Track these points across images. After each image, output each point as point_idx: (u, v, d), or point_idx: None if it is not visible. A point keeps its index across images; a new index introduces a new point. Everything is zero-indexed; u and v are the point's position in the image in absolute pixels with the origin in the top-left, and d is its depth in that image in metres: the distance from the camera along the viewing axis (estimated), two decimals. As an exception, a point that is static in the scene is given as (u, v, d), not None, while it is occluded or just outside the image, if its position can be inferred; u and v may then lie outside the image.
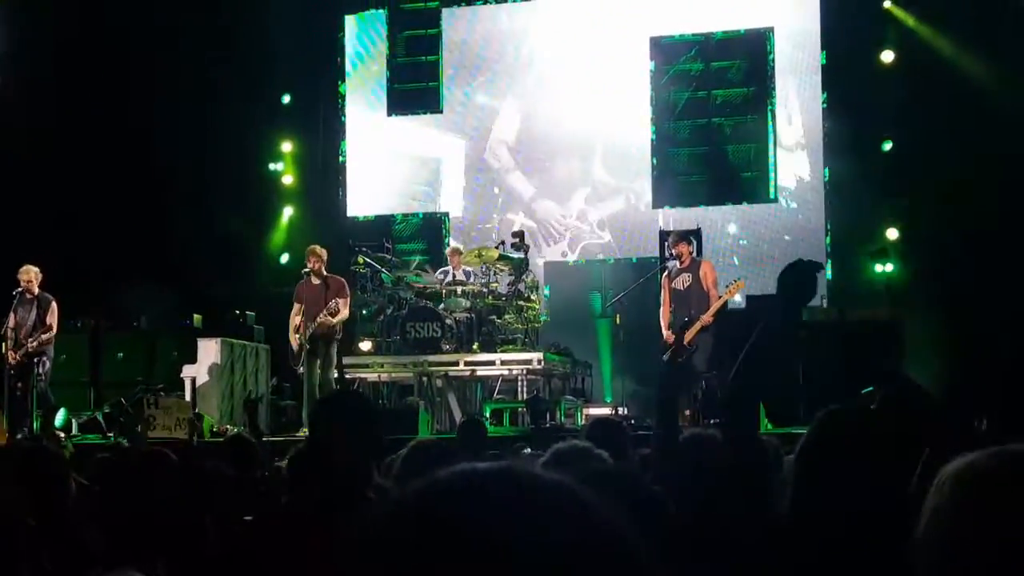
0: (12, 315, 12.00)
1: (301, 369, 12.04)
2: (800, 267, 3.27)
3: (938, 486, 1.43)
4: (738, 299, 13.26)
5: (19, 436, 11.29)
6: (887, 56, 14.78)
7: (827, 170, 15.26)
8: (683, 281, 11.39)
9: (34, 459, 4.02)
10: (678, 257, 11.54)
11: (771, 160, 15.47)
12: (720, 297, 11.26)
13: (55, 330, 12.05)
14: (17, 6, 15.73)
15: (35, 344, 11.84)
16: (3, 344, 11.96)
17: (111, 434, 12.02)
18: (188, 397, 12.85)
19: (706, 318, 11.14)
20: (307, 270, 12.06)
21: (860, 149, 14.80)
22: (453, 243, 15.60)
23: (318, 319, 11.79)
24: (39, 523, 3.90)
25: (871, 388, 10.51)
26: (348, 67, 17.09)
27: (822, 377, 12.15)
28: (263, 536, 3.55)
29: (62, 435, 11.60)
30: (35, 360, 11.90)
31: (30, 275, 12.01)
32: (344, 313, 12.01)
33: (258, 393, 13.56)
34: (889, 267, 14.38)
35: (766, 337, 3.18)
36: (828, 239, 15.21)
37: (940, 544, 1.39)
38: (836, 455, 2.64)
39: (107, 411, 12.50)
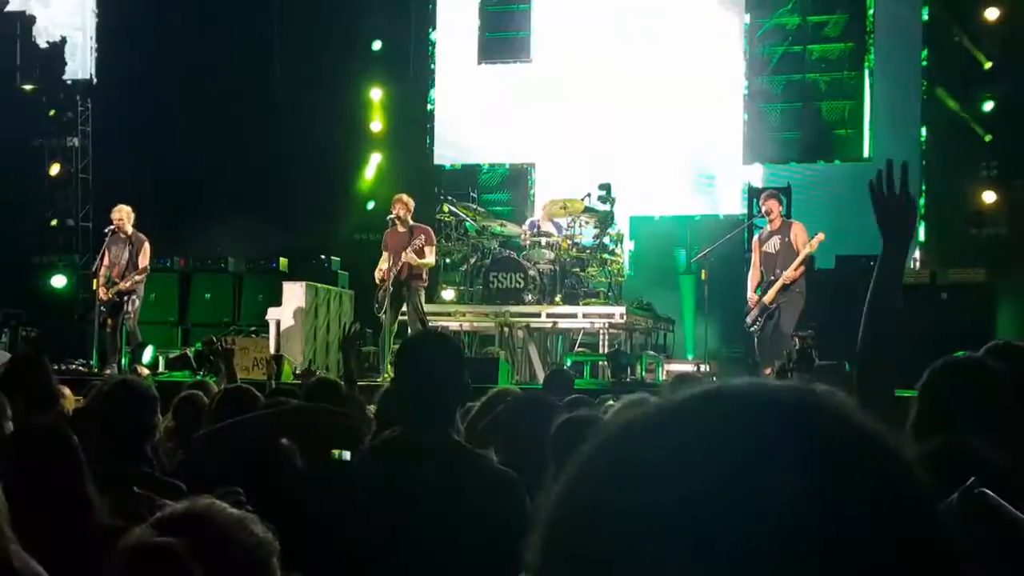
0: (106, 252, 12.25)
1: (383, 315, 12.07)
2: (891, 203, 3.10)
3: None
4: (828, 260, 13.03)
5: (107, 372, 11.51)
6: (992, 13, 14.31)
7: (924, 128, 14.88)
8: (774, 244, 11.20)
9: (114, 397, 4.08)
10: (767, 214, 11.34)
11: (866, 118, 15.12)
12: (801, 253, 11.05)
13: (147, 271, 12.26)
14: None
15: (128, 284, 12.07)
16: (96, 281, 12.21)
17: (200, 372, 12.20)
18: (272, 339, 12.97)
19: (788, 274, 10.94)
20: (392, 217, 12.06)
21: (960, 108, 14.42)
22: (541, 195, 15.48)
23: (403, 257, 11.80)
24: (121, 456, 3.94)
25: (964, 352, 10.33)
26: (439, 15, 17.01)
27: (913, 340, 11.91)
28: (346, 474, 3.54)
29: (146, 371, 11.79)
30: (125, 298, 12.13)
31: (121, 214, 12.21)
32: (430, 259, 11.99)
33: (357, 330, 13.62)
34: (985, 230, 14.03)
35: (884, 287, 3.04)
36: (923, 200, 14.85)
37: None
38: (955, 403, 2.54)
39: (198, 349, 12.69)
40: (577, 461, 0.76)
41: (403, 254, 11.78)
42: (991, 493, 1.85)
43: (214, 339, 12.52)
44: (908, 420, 2.75)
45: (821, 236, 11.33)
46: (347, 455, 3.75)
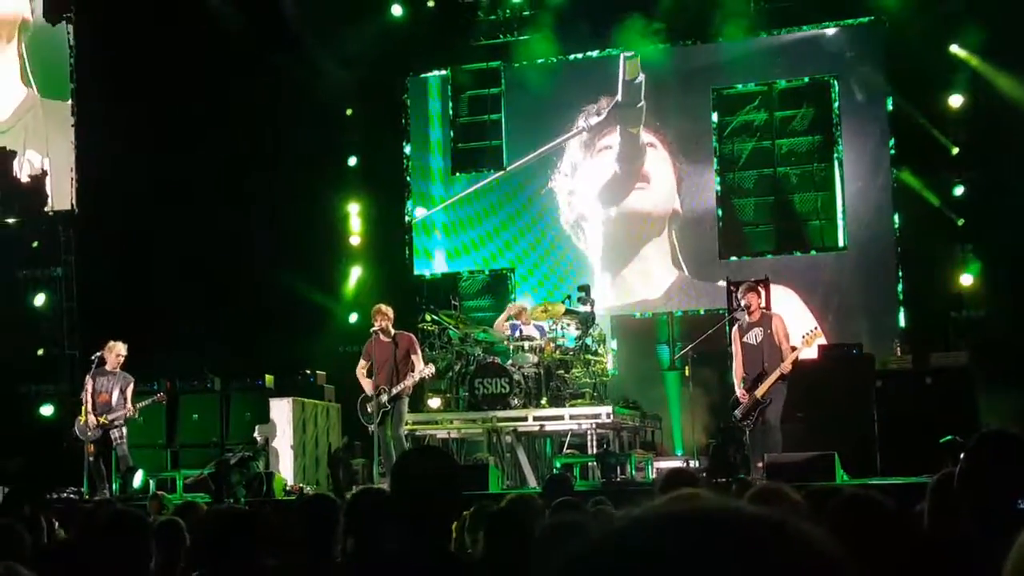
0: (91, 381, 12.35)
1: (372, 427, 12.06)
2: None
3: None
4: (810, 349, 13.13)
5: (98, 498, 11.45)
6: (955, 100, 14.65)
7: (896, 214, 15.11)
8: (755, 336, 11.30)
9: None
10: (747, 307, 11.46)
11: (839, 208, 15.36)
12: (795, 348, 11.17)
13: (134, 411, 12.46)
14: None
15: (118, 422, 12.25)
16: (83, 408, 12.27)
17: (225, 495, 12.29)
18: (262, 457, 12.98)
19: (784, 367, 11.03)
20: (375, 328, 12.12)
21: (931, 194, 14.68)
22: (520, 300, 15.60)
23: (404, 383, 11.80)
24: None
25: (950, 437, 10.40)
26: (411, 128, 17.30)
27: (899, 426, 11.96)
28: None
29: (164, 495, 11.75)
30: (113, 425, 12.26)
31: (117, 351, 12.46)
32: (422, 368, 12.00)
33: (342, 448, 13.66)
34: (965, 313, 14.18)
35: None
36: (900, 286, 15.03)
37: None
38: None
39: (212, 471, 12.74)
40: (561, 566, 0.84)
41: (404, 382, 11.79)
42: None
43: (227, 461, 12.67)
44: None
45: (817, 333, 11.45)
46: None
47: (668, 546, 0.83)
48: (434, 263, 17.06)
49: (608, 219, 16.33)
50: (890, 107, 15.24)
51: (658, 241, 16.08)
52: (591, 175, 16.46)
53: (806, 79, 15.67)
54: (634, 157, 16.22)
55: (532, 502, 4.32)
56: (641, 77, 16.05)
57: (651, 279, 16.06)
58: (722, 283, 14.06)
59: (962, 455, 2.86)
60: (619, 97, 16.22)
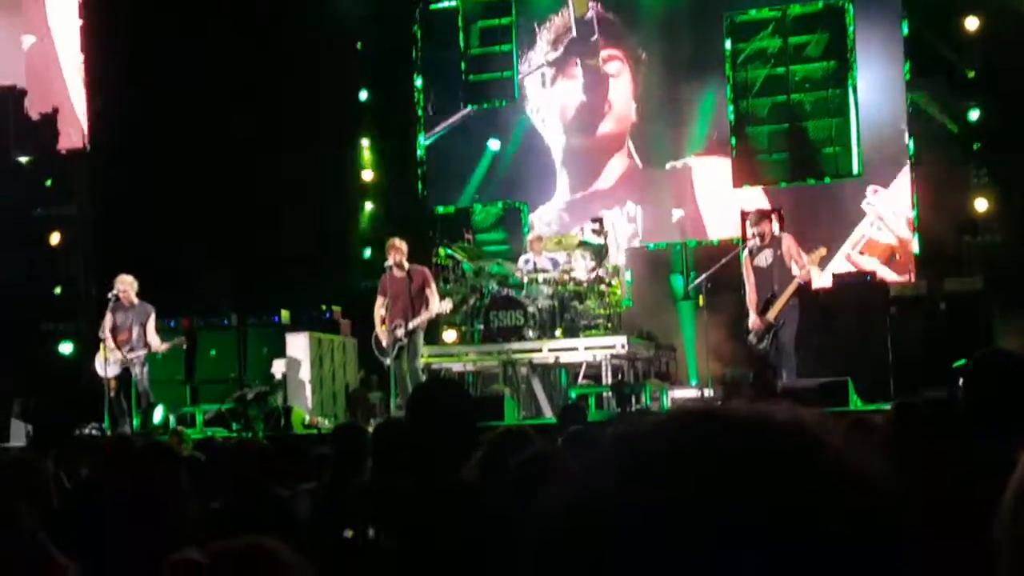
0: (111, 316, 12.39)
1: (388, 361, 12.15)
2: None
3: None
4: (825, 278, 13.14)
5: (120, 433, 11.59)
6: (971, 23, 14.47)
7: (911, 140, 15.02)
8: (765, 258, 11.29)
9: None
10: (760, 236, 11.45)
11: (853, 135, 15.25)
12: (804, 267, 11.15)
13: (156, 341, 12.48)
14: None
15: (138, 360, 12.27)
16: (102, 345, 12.35)
17: (236, 429, 12.45)
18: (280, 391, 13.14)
19: (791, 290, 11.04)
20: (389, 263, 12.16)
21: (946, 117, 14.58)
22: (534, 232, 15.61)
23: (420, 318, 11.88)
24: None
25: (963, 361, 10.41)
26: (423, 60, 17.22)
27: (912, 352, 12.00)
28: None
29: (183, 430, 11.89)
30: (133, 361, 12.32)
31: (125, 285, 12.40)
32: (437, 305, 12.05)
33: (360, 384, 13.80)
34: (980, 238, 14.14)
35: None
36: (916, 211, 14.97)
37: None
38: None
39: (231, 407, 12.89)
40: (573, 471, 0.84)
41: (417, 318, 11.87)
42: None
43: (246, 396, 12.83)
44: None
45: (823, 251, 11.43)
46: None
47: (703, 443, 0.80)
48: (446, 197, 17.04)
49: (580, 147, 16.48)
50: (906, 31, 15.07)
51: (619, 154, 16.33)
52: (558, 107, 16.68)
53: (820, 3, 15.48)
54: (596, 86, 16.47)
55: (523, 431, 4.36)
56: (591, 12, 16.28)
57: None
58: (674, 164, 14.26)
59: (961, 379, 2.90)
60: (574, 33, 16.30)
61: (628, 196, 16.23)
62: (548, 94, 16.87)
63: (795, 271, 11.21)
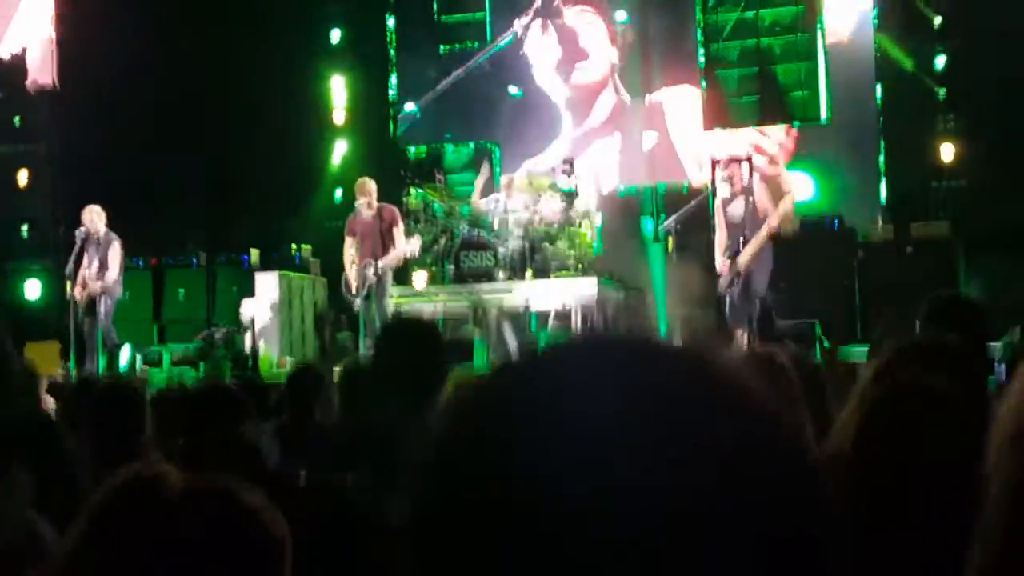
0: (81, 254, 12.18)
1: (358, 302, 12.16)
2: None
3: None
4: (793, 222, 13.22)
5: (83, 376, 11.56)
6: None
7: (878, 85, 15.07)
8: (738, 206, 11.34)
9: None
10: (730, 179, 11.50)
11: (821, 79, 15.29)
12: (774, 213, 11.21)
13: (115, 270, 12.22)
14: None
15: (99, 286, 12.04)
16: (69, 283, 12.22)
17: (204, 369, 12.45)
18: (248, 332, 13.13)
19: (771, 222, 11.08)
20: (358, 203, 12.13)
21: (913, 64, 14.62)
22: (504, 173, 15.58)
23: (388, 258, 11.87)
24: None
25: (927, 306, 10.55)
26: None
27: (878, 295, 12.14)
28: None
29: (145, 372, 11.84)
30: (98, 299, 12.11)
31: (91, 215, 12.21)
32: (404, 245, 12.04)
33: (328, 313, 13.77)
34: (946, 183, 14.25)
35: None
36: (882, 157, 15.05)
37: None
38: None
39: (199, 345, 12.87)
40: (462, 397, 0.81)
41: (384, 258, 11.85)
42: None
43: (213, 336, 12.81)
44: None
45: (792, 195, 11.46)
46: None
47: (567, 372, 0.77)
48: (417, 137, 16.96)
49: (563, 98, 16.46)
50: (873, -27, 15.10)
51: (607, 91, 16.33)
52: (538, 64, 16.60)
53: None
54: (569, 39, 16.45)
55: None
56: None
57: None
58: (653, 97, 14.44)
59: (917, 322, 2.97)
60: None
61: (617, 129, 16.27)
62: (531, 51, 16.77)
63: (771, 210, 11.25)
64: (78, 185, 15.06)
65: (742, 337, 10.79)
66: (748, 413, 0.76)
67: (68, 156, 16.11)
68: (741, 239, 11.16)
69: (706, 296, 12.54)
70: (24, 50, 16.71)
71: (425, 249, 13.46)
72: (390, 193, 13.20)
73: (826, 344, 10.72)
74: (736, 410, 0.75)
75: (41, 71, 16.62)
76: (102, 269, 12.10)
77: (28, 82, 16.57)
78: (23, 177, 16.32)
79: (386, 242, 11.96)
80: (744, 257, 11.11)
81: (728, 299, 11.27)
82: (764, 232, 11.10)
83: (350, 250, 12.13)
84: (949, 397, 2.10)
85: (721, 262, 11.31)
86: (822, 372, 3.67)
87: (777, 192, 11.76)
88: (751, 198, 11.25)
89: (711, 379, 0.77)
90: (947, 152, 14.45)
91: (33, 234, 16.26)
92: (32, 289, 15.62)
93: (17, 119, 16.37)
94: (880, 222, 14.02)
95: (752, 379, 0.78)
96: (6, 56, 16.63)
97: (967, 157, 14.33)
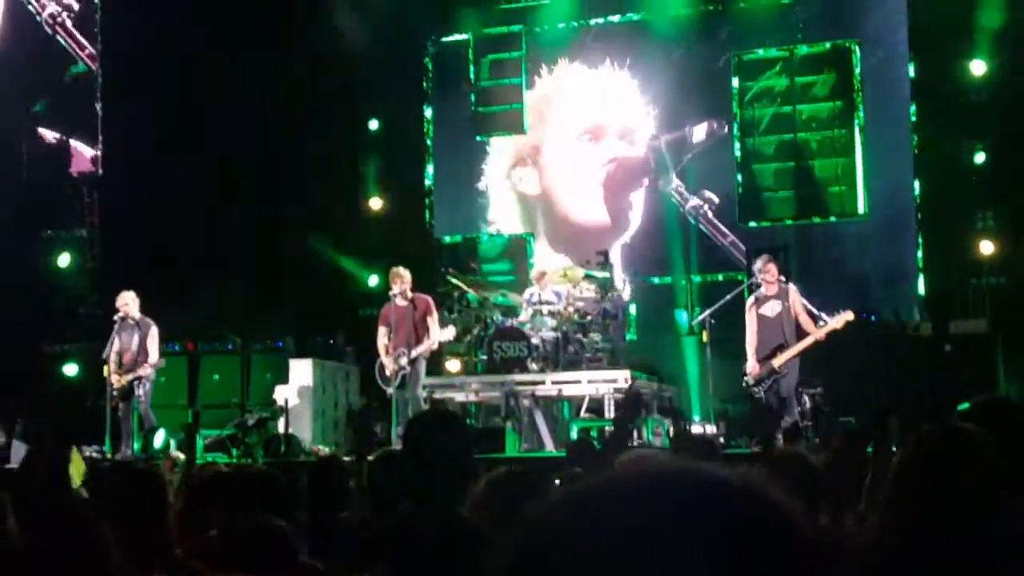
0: (117, 338, 12.36)
1: (391, 390, 12.15)
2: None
3: None
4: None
5: (119, 458, 11.58)
6: (977, 67, 14.52)
7: (917, 181, 15.04)
8: (772, 309, 11.36)
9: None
10: (764, 273, 11.49)
11: (859, 174, 15.29)
12: (827, 324, 11.23)
13: (154, 355, 12.35)
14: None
15: (145, 371, 12.19)
16: (106, 367, 12.33)
17: (236, 455, 12.43)
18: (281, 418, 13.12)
19: (819, 335, 11.09)
20: (393, 292, 12.19)
21: (952, 160, 14.62)
22: (538, 266, 15.60)
23: (422, 346, 11.91)
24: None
25: (966, 405, 10.38)
26: (433, 91, 17.30)
27: (918, 392, 11.98)
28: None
29: (179, 455, 11.85)
30: (136, 383, 12.23)
31: (125, 300, 12.36)
32: (438, 333, 12.09)
33: (362, 408, 13.75)
34: (985, 280, 14.13)
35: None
36: (920, 252, 14.97)
37: None
38: (931, 479, 2.63)
39: (231, 432, 12.86)
40: (520, 528, 0.85)
41: (419, 347, 11.91)
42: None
43: (246, 422, 12.80)
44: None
45: (850, 316, 11.38)
46: None
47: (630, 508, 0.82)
48: (452, 227, 17.05)
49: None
50: (912, 73, 15.13)
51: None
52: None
53: (827, 44, 15.56)
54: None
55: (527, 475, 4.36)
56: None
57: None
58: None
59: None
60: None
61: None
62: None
63: (802, 322, 11.28)
64: (117, 269, 15.25)
65: (777, 436, 10.70)
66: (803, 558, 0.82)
67: (108, 239, 16.34)
68: (781, 341, 11.14)
69: (740, 391, 12.44)
70: (68, 135, 17.04)
71: (459, 338, 13.47)
72: (425, 281, 13.25)
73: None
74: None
75: (84, 156, 16.94)
76: (142, 354, 12.23)
77: (71, 169, 16.89)
78: (64, 260, 16.55)
79: (419, 331, 11.99)
80: (780, 361, 11.11)
81: (760, 400, 11.26)
82: (808, 341, 11.10)
83: (383, 339, 12.17)
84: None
85: (752, 364, 11.31)
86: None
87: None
88: (787, 303, 11.27)
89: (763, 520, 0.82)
90: (986, 248, 14.35)
91: (72, 315, 16.42)
92: (70, 371, 15.77)
93: (60, 204, 16.65)
94: (918, 317, 13.89)
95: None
96: (51, 141, 16.96)
97: (1006, 254, 14.23)
